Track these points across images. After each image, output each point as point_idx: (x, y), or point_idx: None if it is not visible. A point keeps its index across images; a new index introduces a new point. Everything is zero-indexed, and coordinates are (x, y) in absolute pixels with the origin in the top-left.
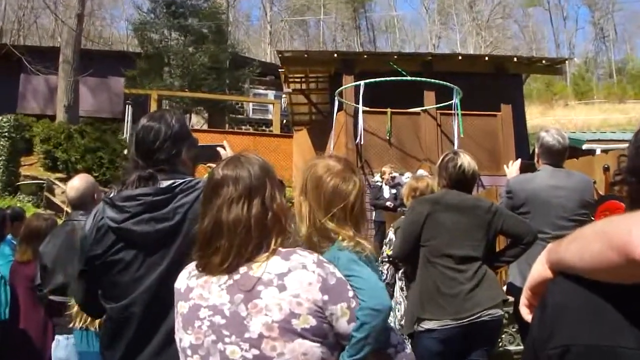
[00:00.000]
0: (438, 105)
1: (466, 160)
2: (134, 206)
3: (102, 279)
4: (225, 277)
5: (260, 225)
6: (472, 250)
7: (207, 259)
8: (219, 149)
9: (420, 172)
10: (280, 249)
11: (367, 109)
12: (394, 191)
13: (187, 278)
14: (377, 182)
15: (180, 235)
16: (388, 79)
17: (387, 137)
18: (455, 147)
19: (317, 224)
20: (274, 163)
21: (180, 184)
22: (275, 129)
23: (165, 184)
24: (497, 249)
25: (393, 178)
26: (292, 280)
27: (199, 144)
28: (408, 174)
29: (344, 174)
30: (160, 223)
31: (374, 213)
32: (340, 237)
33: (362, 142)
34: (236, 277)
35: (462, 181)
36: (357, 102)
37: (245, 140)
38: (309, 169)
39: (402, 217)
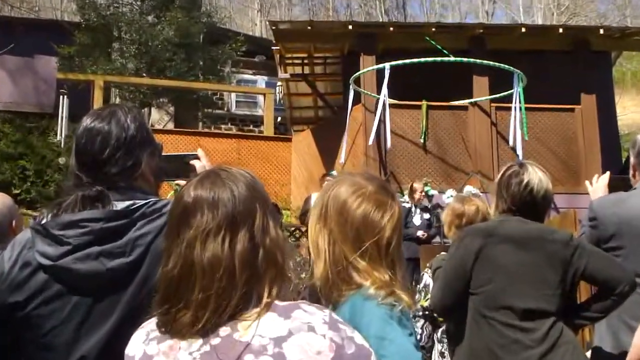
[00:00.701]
0: (493, 97)
1: (536, 175)
2: (76, 236)
3: (25, 339)
4: (200, 341)
5: (248, 268)
6: (542, 301)
7: (174, 315)
8: (192, 161)
9: (468, 189)
10: (277, 302)
11: (395, 101)
12: (427, 216)
13: (144, 342)
14: (405, 202)
15: (140, 276)
16: (423, 59)
17: (422, 141)
18: (519, 156)
19: (340, 261)
20: (266, 177)
21: (142, 206)
22: (268, 129)
23: (120, 205)
24: (578, 300)
25: (428, 197)
26: (293, 348)
27: (164, 153)
28: (450, 193)
29: (378, 198)
30: (113, 259)
31: None
32: (369, 283)
33: (387, 148)
34: (215, 341)
35: (530, 205)
36: (380, 92)
37: (226, 146)
38: (331, 188)
39: (443, 253)
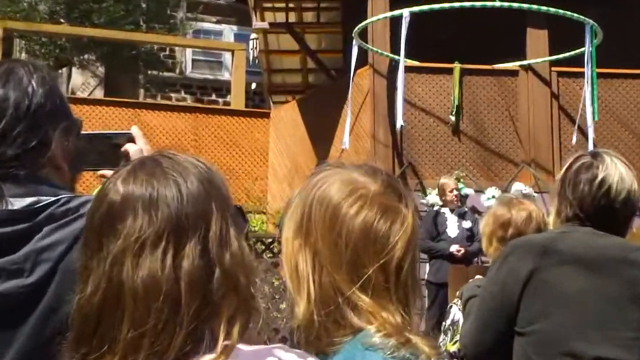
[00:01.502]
0: (555, 57)
1: (616, 170)
2: None
3: None
4: None
5: (199, 295)
6: (620, 348)
7: None
8: (126, 145)
9: (517, 188)
10: (240, 345)
11: (416, 63)
12: (466, 224)
13: None
14: (433, 205)
15: (44, 305)
16: (457, 3)
17: (453, 119)
18: (590, 141)
19: (332, 297)
20: (232, 167)
21: (49, 205)
22: (236, 100)
23: (18, 203)
24: None
25: (462, 198)
26: None
27: (85, 132)
28: (492, 193)
29: (385, 202)
30: (6, 280)
31: (426, 266)
32: (373, 328)
33: (403, 128)
34: None
35: (606, 211)
36: (395, 50)
37: (178, 123)
38: (315, 187)
39: (479, 277)
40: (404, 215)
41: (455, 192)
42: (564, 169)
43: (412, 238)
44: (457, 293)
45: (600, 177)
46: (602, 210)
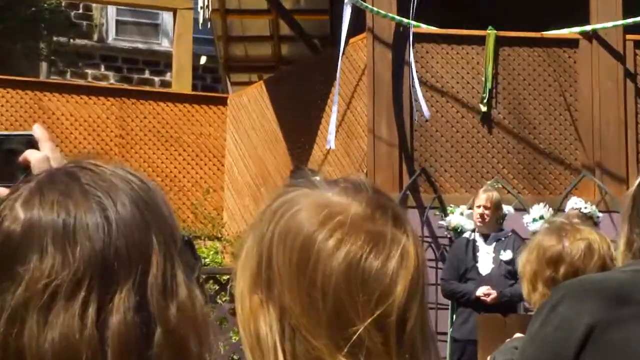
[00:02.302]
0: (630, 21)
1: None
2: None
3: None
4: None
5: None
6: None
7: None
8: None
9: (576, 204)
10: None
11: (433, 29)
12: (505, 255)
13: None
14: (456, 229)
15: None
16: None
17: (484, 108)
18: None
19: None
20: (175, 175)
21: None
22: (180, 80)
23: None
24: None
25: (499, 218)
26: None
27: None
28: (540, 212)
29: (374, 230)
30: None
31: (448, 317)
32: None
33: (415, 119)
34: None
35: None
36: (403, 11)
37: (97, 112)
38: (273, 218)
39: (518, 335)
40: (402, 246)
41: (482, 210)
42: (637, 182)
43: (418, 276)
44: (488, 358)
45: None
46: None
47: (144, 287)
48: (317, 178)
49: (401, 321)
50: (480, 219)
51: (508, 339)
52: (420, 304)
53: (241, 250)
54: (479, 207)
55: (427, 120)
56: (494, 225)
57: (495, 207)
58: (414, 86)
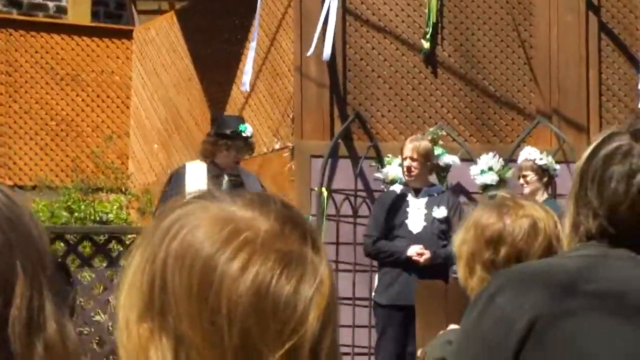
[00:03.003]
0: None
1: None
2: None
3: None
4: None
5: None
6: None
7: None
8: None
9: (529, 154)
10: None
11: None
12: (439, 212)
13: None
14: (394, 181)
15: None
16: None
17: (427, 46)
18: None
19: None
20: (69, 120)
21: None
22: (77, 8)
23: None
24: None
25: (440, 170)
26: None
27: None
28: (490, 162)
29: (283, 248)
30: None
31: (372, 279)
32: None
33: (346, 59)
34: None
35: None
36: None
37: None
38: (167, 236)
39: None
40: (314, 267)
41: (408, 162)
42: (584, 154)
43: (331, 302)
44: (419, 353)
45: None
46: None
47: (4, 322)
48: (247, 127)
49: (314, 353)
50: (407, 172)
51: (441, 331)
52: (333, 333)
53: (127, 267)
54: (405, 158)
55: (356, 60)
56: (425, 178)
57: (425, 158)
58: (326, 19)
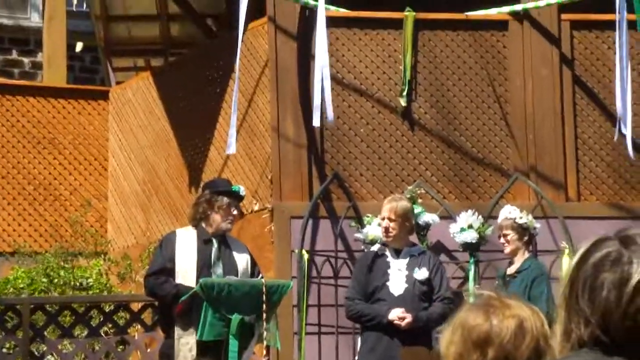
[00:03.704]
0: None
1: None
2: None
3: None
4: None
5: None
6: None
7: None
8: None
9: (509, 212)
10: None
11: (343, 12)
12: (420, 274)
13: None
14: (374, 242)
15: None
16: None
17: (403, 103)
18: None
19: None
20: (47, 184)
21: None
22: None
23: None
24: None
25: (421, 228)
26: None
27: None
28: (470, 220)
29: None
30: None
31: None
32: None
33: (327, 119)
34: None
35: None
36: None
37: None
38: None
39: None
40: None
41: (386, 223)
42: (574, 261)
43: None
44: None
45: (634, 279)
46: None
47: None
48: (239, 188)
49: None
50: (384, 233)
51: None
52: None
53: None
54: (382, 219)
55: (334, 121)
56: (405, 239)
57: (403, 218)
58: (321, 85)
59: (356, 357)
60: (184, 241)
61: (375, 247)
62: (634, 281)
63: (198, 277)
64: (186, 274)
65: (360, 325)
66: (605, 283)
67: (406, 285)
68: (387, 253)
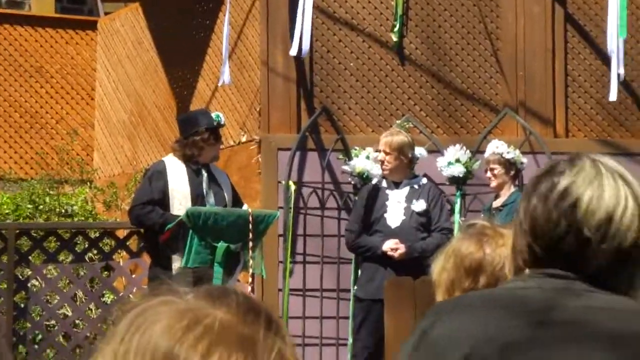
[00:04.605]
0: None
1: (594, 181)
2: None
3: None
4: None
5: None
6: None
7: None
8: None
9: (496, 147)
10: None
11: None
12: (418, 206)
13: None
14: (362, 175)
15: None
16: None
17: (395, 38)
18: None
19: None
20: (34, 112)
21: None
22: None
23: None
24: None
25: (408, 163)
26: None
27: None
28: (457, 154)
29: (245, 333)
30: None
31: (349, 269)
32: None
33: (311, 52)
34: None
35: (572, 243)
36: None
37: None
38: (127, 333)
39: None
40: (279, 351)
41: (382, 156)
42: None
43: None
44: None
45: (561, 185)
46: (563, 241)
47: None
48: (219, 115)
49: None
50: (381, 166)
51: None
52: None
53: None
54: (378, 151)
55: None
56: (403, 172)
57: (398, 152)
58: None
59: (355, 287)
60: (174, 172)
61: (376, 180)
62: (560, 187)
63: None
64: (180, 205)
65: (360, 256)
66: (537, 192)
67: (404, 217)
68: (386, 185)
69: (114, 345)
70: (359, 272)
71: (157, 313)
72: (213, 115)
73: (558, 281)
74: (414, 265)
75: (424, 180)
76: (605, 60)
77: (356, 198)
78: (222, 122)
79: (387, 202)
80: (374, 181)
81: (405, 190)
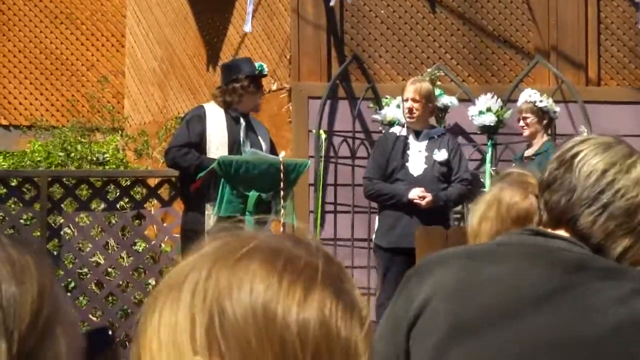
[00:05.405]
0: None
1: (597, 149)
2: None
3: None
4: None
5: None
6: None
7: None
8: None
9: (528, 95)
10: None
11: None
12: (439, 155)
13: None
14: (392, 123)
15: None
16: None
17: None
18: None
19: None
20: (64, 59)
21: None
22: None
23: None
24: None
25: (440, 111)
26: None
27: None
28: (488, 103)
29: (335, 282)
30: None
31: (372, 221)
32: None
33: (346, 1)
34: None
35: (561, 210)
36: None
37: None
38: (213, 277)
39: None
40: (359, 307)
41: (410, 104)
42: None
43: (372, 344)
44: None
45: (572, 151)
46: (552, 189)
47: None
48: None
49: None
50: (408, 114)
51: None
52: None
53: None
54: (406, 100)
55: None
56: (426, 121)
57: (427, 99)
58: None
59: (373, 236)
60: (214, 118)
61: (395, 129)
62: (569, 155)
63: (230, 154)
64: (217, 150)
65: (378, 204)
66: (552, 163)
67: (425, 166)
68: (407, 134)
69: (199, 301)
70: (377, 220)
71: (250, 257)
72: (256, 64)
73: (532, 238)
74: (437, 214)
75: (443, 131)
76: (639, 7)
77: (375, 145)
78: (265, 72)
79: (408, 152)
80: (396, 130)
81: (426, 140)
